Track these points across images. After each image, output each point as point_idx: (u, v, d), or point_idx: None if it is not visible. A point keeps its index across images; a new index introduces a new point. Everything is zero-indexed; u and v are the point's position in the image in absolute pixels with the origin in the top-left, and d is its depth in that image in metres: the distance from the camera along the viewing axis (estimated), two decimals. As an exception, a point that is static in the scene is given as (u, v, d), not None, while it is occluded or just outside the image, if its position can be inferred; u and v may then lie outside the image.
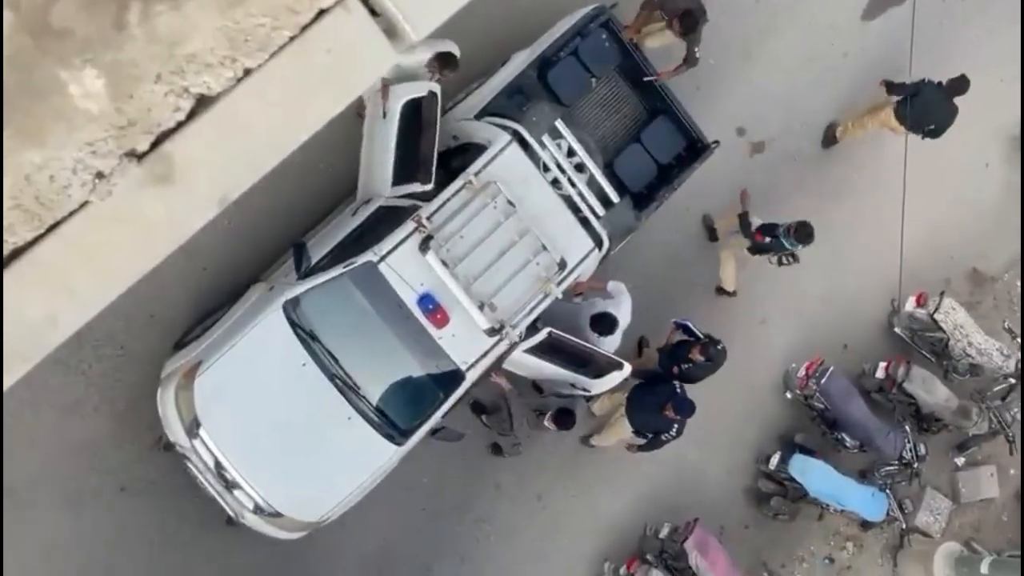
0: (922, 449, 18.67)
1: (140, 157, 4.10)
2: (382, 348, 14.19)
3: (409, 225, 13.77)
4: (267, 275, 14.85)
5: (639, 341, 17.54)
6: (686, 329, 16.69)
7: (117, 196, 4.06)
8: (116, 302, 4.90)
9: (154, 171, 4.12)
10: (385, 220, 14.19)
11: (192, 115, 4.13)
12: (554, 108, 15.41)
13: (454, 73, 14.50)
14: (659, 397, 16.04)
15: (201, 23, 4.15)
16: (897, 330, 19.83)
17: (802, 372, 18.49)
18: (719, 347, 16.34)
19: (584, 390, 16.16)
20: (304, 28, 4.60)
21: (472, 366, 14.24)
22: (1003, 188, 21.07)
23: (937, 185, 19.76)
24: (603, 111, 16.35)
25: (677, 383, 16.18)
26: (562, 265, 14.52)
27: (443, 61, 14.20)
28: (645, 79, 16.17)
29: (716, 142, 16.49)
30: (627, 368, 15.70)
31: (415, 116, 14.00)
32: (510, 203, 14.20)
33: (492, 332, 14.05)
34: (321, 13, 4.62)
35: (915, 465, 18.67)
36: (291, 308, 13.78)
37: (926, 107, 17.72)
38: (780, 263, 17.51)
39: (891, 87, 18.00)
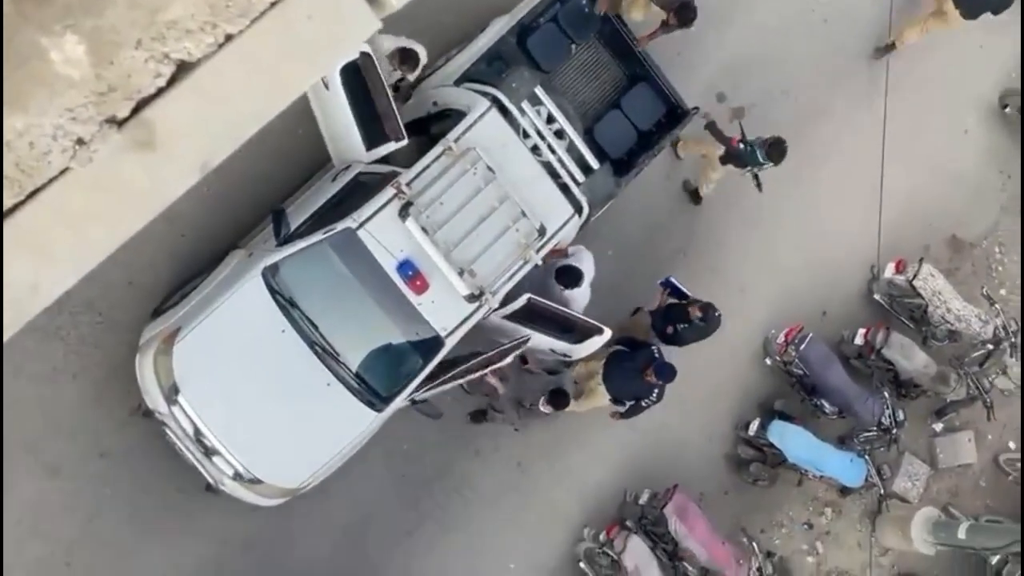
0: (900, 415, 18.68)
1: (121, 123, 4.07)
2: (362, 314, 14.19)
3: (388, 191, 13.75)
4: (246, 242, 14.82)
5: (634, 311, 17.56)
6: (673, 289, 16.72)
7: (98, 162, 4.03)
8: (94, 268, 4.88)
9: (135, 137, 4.09)
10: (364, 186, 14.18)
11: (173, 81, 4.10)
12: (534, 74, 15.37)
13: (412, 74, 14.51)
14: (639, 361, 16.06)
15: (182, -12, 4.13)
16: (876, 297, 19.86)
17: (781, 339, 18.52)
18: (717, 313, 16.45)
19: (565, 355, 16.16)
20: (286, -7, 4.57)
21: (452, 332, 14.25)
22: (982, 154, 21.09)
23: (916, 151, 19.79)
24: (583, 77, 16.33)
25: (656, 348, 16.20)
26: (542, 231, 14.51)
27: (404, 56, 14.21)
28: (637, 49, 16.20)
29: (696, 108, 16.49)
30: (607, 333, 15.71)
31: (358, 79, 13.89)
32: (490, 169, 14.19)
33: (472, 298, 14.06)
34: (303, -21, 4.59)
35: (893, 431, 18.68)
36: (270, 275, 13.75)
37: None
38: (755, 179, 17.36)
39: None
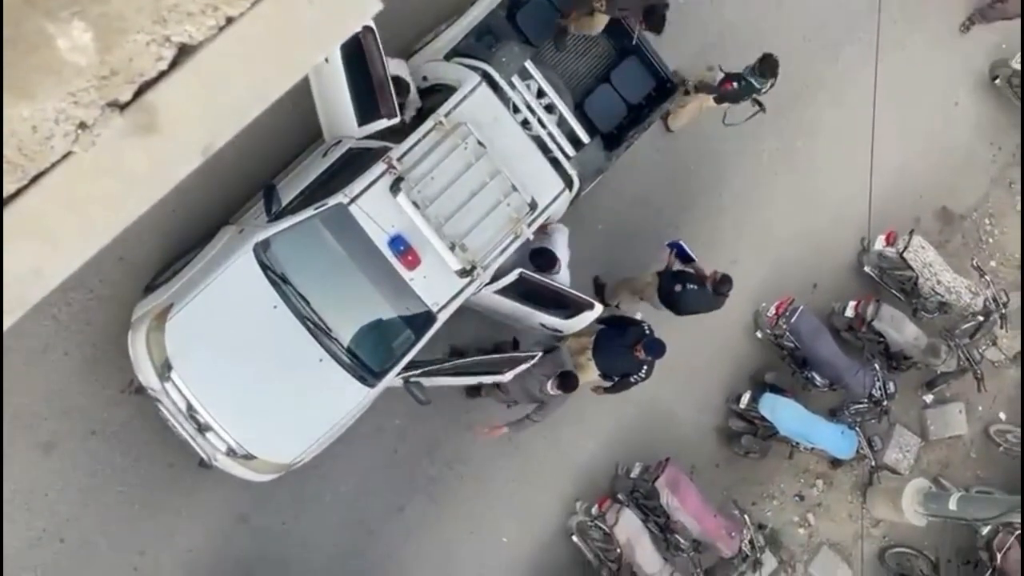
0: (891, 387, 18.75)
1: (123, 107, 4.06)
2: (353, 290, 14.16)
3: (379, 166, 13.72)
4: (237, 217, 14.79)
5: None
6: (680, 251, 16.73)
7: (100, 146, 4.02)
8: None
9: (137, 121, 4.08)
10: (355, 162, 14.13)
11: (174, 65, 4.09)
12: (524, 49, 15.34)
13: (404, 99, 14.51)
14: (629, 338, 16.06)
15: (183, -29, 4.11)
16: (867, 269, 19.92)
17: (772, 312, 18.57)
18: (728, 289, 16.62)
19: (555, 330, 16.17)
20: (287, -26, 4.55)
21: (443, 307, 14.24)
22: (972, 127, 21.15)
23: (906, 124, 19.83)
24: (573, 52, 16.30)
25: (647, 325, 16.22)
26: (533, 206, 14.50)
27: (396, 86, 14.24)
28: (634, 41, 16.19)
29: (684, 81, 16.47)
30: (598, 308, 15.72)
31: (358, 53, 13.86)
32: (480, 144, 14.17)
33: (463, 273, 14.05)
34: (304, -41, 4.57)
35: (884, 403, 18.75)
36: (261, 250, 13.71)
37: None
38: (755, 105, 17.25)
39: None
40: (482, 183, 14.21)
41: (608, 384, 16.69)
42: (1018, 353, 20.58)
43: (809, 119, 19.40)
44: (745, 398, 18.68)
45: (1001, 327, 19.48)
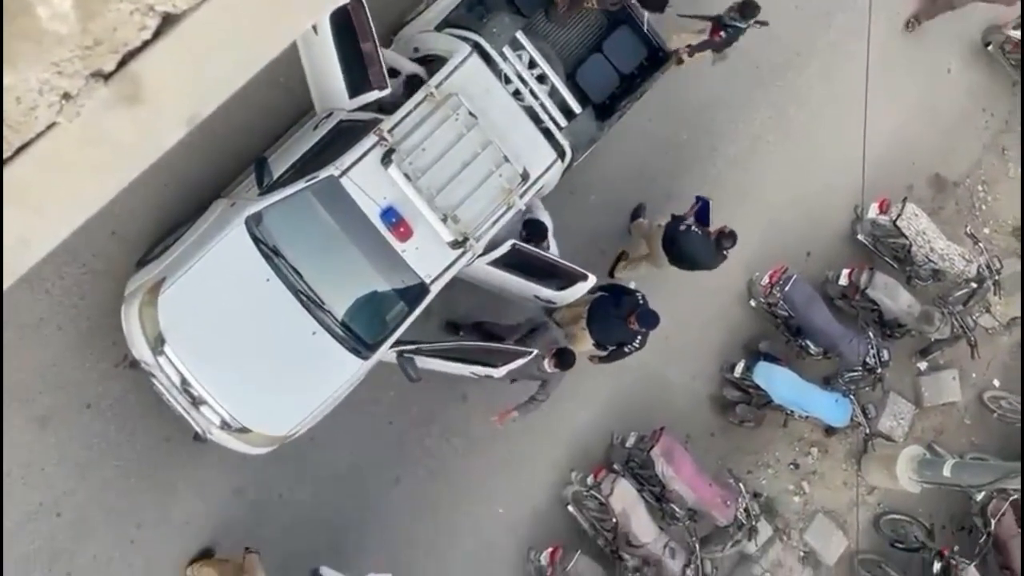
0: (885, 355, 18.77)
1: (107, 77, 4.05)
2: (346, 263, 14.17)
3: (371, 138, 13.71)
4: (229, 191, 14.78)
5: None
6: (703, 209, 16.77)
7: (84, 117, 4.01)
8: (80, 220, 4.87)
9: (121, 91, 4.07)
10: (346, 134, 14.12)
11: (158, 34, 4.07)
12: (515, 19, 15.30)
13: None
14: (623, 308, 16.07)
15: (166, -63, 4.10)
16: (860, 237, 19.93)
17: (766, 280, 18.58)
18: (731, 246, 16.75)
19: (549, 302, 16.18)
20: (273, -61, 4.54)
21: (436, 279, 14.24)
22: (964, 93, 21.14)
23: (899, 91, 19.80)
24: (564, 22, 16.25)
25: (641, 295, 16.23)
26: (525, 176, 14.49)
27: (412, 82, 14.26)
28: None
29: (679, 52, 16.43)
30: (591, 279, 15.71)
31: (347, 25, 13.82)
32: (472, 115, 14.15)
33: (456, 244, 14.05)
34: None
35: (878, 371, 18.79)
36: (253, 224, 13.71)
37: None
38: (759, 25, 17.09)
39: None
40: (474, 154, 14.19)
41: (603, 354, 16.72)
42: (1012, 319, 20.62)
43: (801, 87, 19.38)
44: (739, 367, 18.72)
45: (994, 294, 19.52)
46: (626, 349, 16.42)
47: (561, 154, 15.10)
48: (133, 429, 15.10)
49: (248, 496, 15.93)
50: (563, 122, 15.21)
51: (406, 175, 13.69)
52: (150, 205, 14.70)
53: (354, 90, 14.16)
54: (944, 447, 20.38)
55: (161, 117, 4.28)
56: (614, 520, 17.42)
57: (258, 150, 14.83)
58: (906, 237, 19.02)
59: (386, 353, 14.46)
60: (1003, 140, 21.56)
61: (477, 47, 14.69)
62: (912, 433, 20.52)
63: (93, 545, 15.06)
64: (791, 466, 19.91)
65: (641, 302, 16.09)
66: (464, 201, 14.13)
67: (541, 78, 15.30)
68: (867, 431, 19.61)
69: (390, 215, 13.79)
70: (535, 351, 15.20)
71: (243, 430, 14.01)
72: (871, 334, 18.69)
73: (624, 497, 17.37)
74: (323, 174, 13.64)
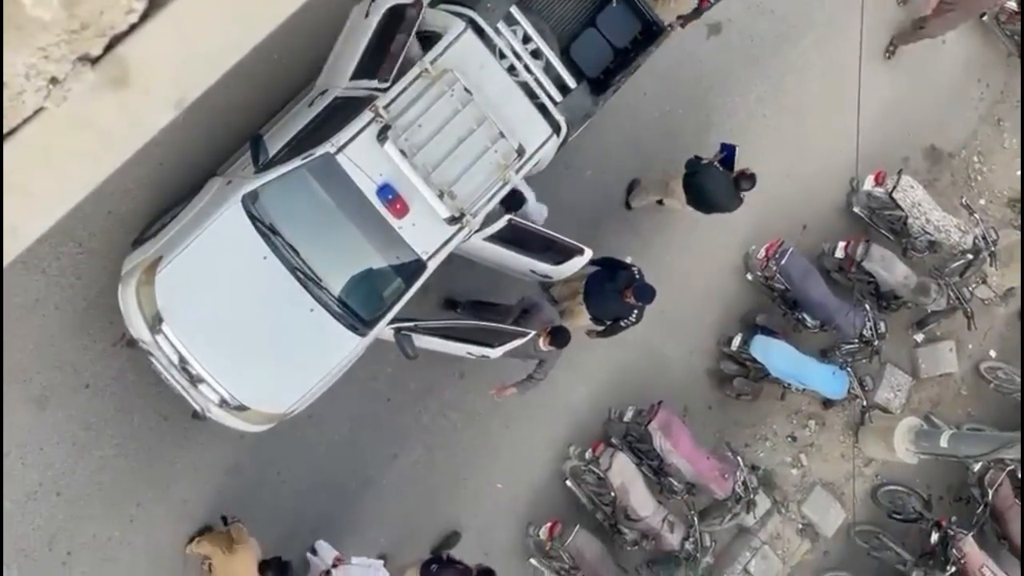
0: (882, 327, 18.79)
1: (94, 61, 4.05)
2: (342, 239, 14.16)
3: (366, 115, 13.68)
4: (224, 169, 14.76)
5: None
6: (728, 155, 16.82)
7: (72, 101, 4.01)
8: (74, 200, 4.87)
9: (109, 75, 4.07)
10: (342, 111, 14.09)
11: (145, 17, 4.08)
12: (509, -6, 15.27)
13: None
14: (620, 283, 16.07)
15: (153, -82, 4.09)
16: (856, 209, 19.92)
17: (762, 253, 18.57)
18: (747, 190, 16.85)
19: (546, 277, 16.19)
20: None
21: (433, 255, 14.23)
22: (960, 64, 21.11)
23: (894, 62, 19.81)
24: (558, -4, 16.23)
25: (637, 269, 16.24)
26: (520, 152, 14.44)
27: None
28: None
29: (671, 25, 16.40)
30: (588, 252, 15.72)
31: (395, 21, 13.87)
32: (467, 91, 14.11)
33: (452, 220, 14.02)
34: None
35: (875, 343, 18.82)
36: (250, 201, 13.69)
37: None
38: None
39: None
40: (469, 130, 14.15)
41: (600, 328, 16.73)
42: (1008, 290, 20.65)
43: (796, 60, 19.35)
44: (736, 340, 18.74)
45: (991, 265, 19.53)
46: (623, 323, 16.42)
47: (556, 129, 15.05)
48: (132, 408, 15.13)
49: (246, 473, 15.96)
50: (558, 97, 15.17)
51: (402, 151, 13.67)
52: (145, 184, 14.70)
53: (358, 74, 14.17)
54: (941, 418, 20.42)
55: (149, 100, 4.29)
56: (612, 494, 17.47)
57: (253, 128, 14.81)
58: (902, 209, 19.01)
59: (384, 330, 14.46)
60: (998, 111, 21.55)
61: (472, 23, 14.63)
62: (909, 404, 20.54)
63: (92, 524, 15.11)
64: (789, 439, 19.95)
65: (637, 276, 16.09)
66: (460, 177, 14.09)
67: (536, 53, 15.24)
68: (864, 403, 19.64)
69: (386, 192, 13.77)
70: (531, 332, 15.21)
71: (241, 408, 14.01)
72: (867, 306, 18.71)
73: (622, 471, 17.41)
74: (319, 151, 13.62)
